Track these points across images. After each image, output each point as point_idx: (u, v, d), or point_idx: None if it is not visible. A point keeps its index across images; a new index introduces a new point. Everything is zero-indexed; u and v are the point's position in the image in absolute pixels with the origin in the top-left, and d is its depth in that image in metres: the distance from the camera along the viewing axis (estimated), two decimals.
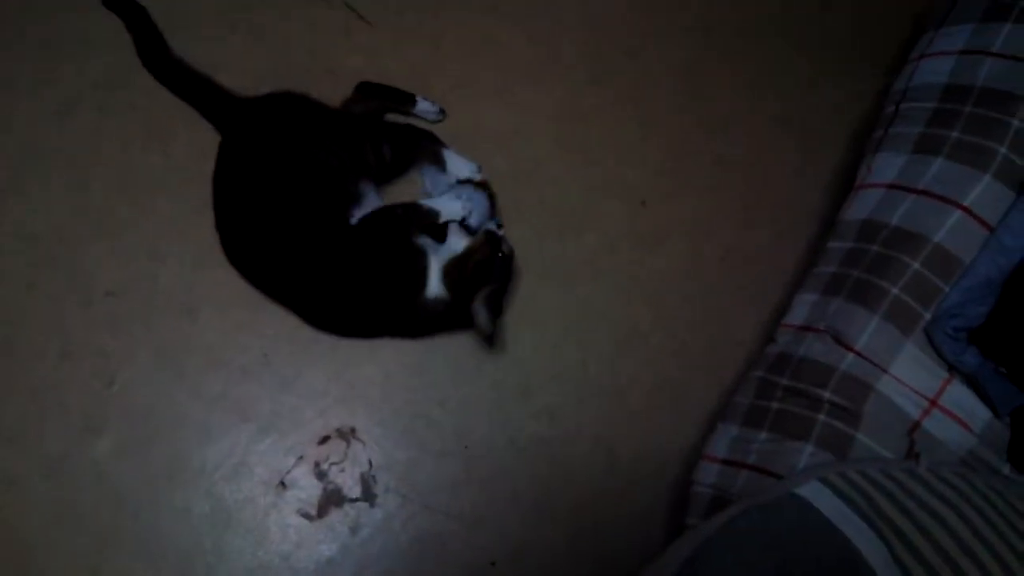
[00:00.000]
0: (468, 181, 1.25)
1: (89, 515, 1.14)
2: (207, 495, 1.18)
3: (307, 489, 1.21)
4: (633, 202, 1.41)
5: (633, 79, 1.47)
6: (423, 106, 1.33)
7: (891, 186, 1.15)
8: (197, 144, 1.24)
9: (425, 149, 1.28)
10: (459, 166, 1.27)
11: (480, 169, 1.27)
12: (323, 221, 1.16)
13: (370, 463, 1.23)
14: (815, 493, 0.90)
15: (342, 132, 1.21)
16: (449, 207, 1.20)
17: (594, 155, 1.42)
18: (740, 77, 1.51)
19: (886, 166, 1.17)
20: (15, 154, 1.25)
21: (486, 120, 1.38)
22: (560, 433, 1.28)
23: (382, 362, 1.26)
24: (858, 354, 1.06)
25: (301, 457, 1.22)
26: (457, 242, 1.20)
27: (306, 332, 1.24)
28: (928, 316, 1.06)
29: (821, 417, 1.03)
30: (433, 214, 1.19)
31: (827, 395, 1.04)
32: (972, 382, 1.05)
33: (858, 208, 1.18)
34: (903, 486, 0.90)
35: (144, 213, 1.25)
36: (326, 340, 1.25)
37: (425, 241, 1.20)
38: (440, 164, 1.27)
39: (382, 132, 1.26)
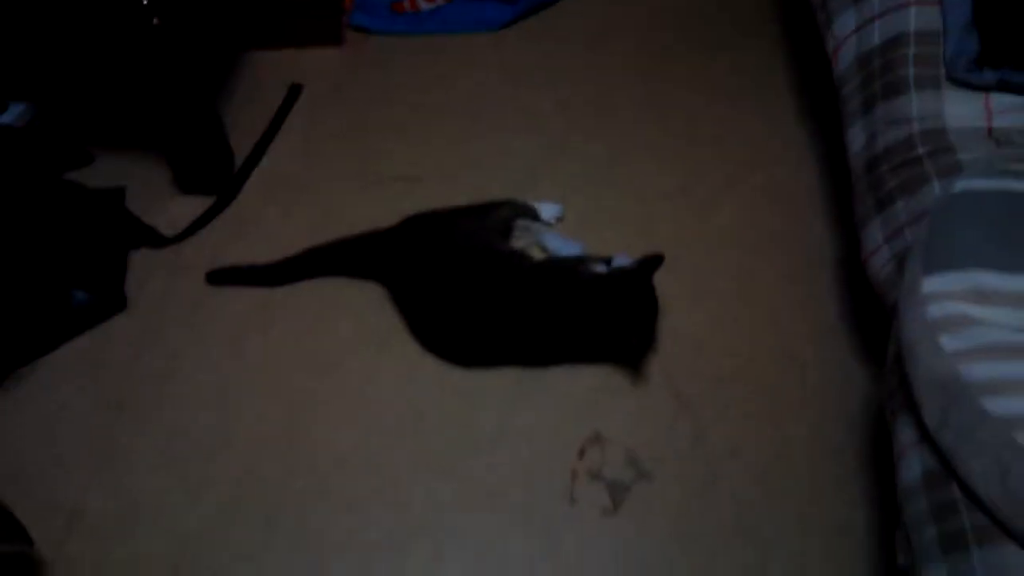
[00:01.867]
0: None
1: None
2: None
3: (593, 494, 1.37)
4: None
5: None
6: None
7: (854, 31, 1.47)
8: None
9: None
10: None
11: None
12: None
13: (626, 450, 1.40)
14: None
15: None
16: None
17: None
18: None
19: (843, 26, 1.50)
20: None
21: None
22: None
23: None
24: (918, 122, 1.31)
25: (574, 474, 1.39)
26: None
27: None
28: (943, 69, 1.32)
29: (928, 164, 1.25)
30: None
31: (920, 151, 1.27)
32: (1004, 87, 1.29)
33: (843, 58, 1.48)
34: None
35: None
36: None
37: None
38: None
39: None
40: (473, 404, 1.44)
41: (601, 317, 1.41)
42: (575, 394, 1.45)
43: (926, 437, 1.03)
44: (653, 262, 1.41)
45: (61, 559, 1.29)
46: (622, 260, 1.44)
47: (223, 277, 1.59)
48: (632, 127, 1.85)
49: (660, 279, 1.43)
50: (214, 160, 1.67)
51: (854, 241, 1.37)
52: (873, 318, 1.38)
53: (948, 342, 1.00)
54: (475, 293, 1.45)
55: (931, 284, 1.05)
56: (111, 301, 1.52)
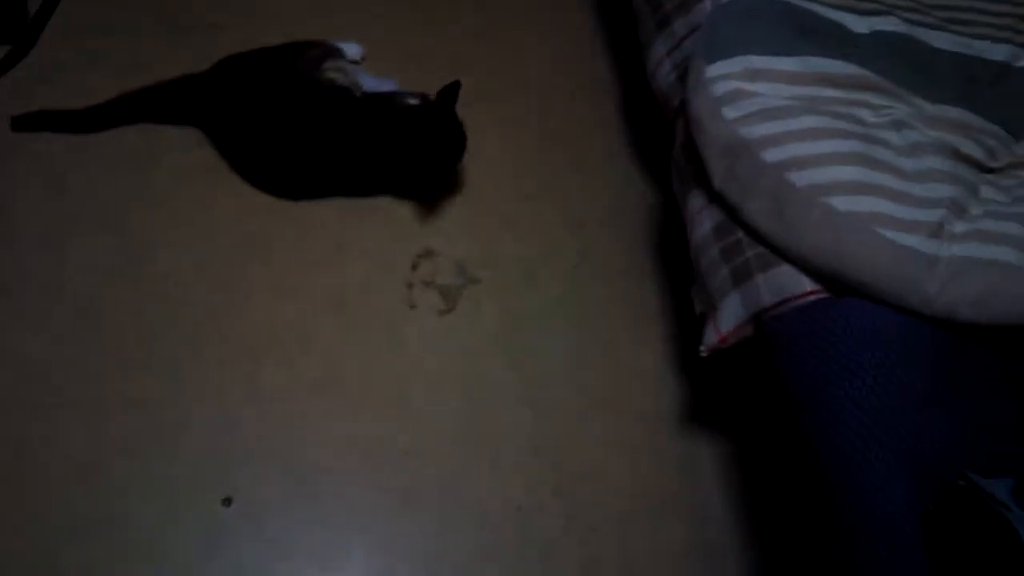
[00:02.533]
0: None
1: None
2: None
3: (430, 298, 1.50)
4: None
5: None
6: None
7: None
8: None
9: None
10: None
11: None
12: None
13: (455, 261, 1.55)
14: None
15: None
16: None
17: None
18: None
19: None
20: None
21: None
22: None
23: None
24: None
25: (410, 284, 1.52)
26: None
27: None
28: None
29: None
30: None
31: None
32: None
33: None
34: None
35: None
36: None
37: None
38: None
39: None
40: (307, 230, 1.53)
41: (414, 146, 1.51)
42: (403, 216, 1.57)
43: (714, 198, 1.26)
44: (452, 89, 1.52)
45: None
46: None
47: (31, 123, 1.55)
48: None
49: (466, 111, 1.55)
50: (5, 8, 1.60)
51: (631, 71, 1.57)
52: (651, 142, 1.62)
53: (729, 112, 1.22)
54: (297, 129, 1.52)
55: (712, 70, 1.26)
56: None
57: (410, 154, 1.52)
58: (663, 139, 1.48)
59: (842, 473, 1.00)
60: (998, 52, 1.33)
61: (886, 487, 0.97)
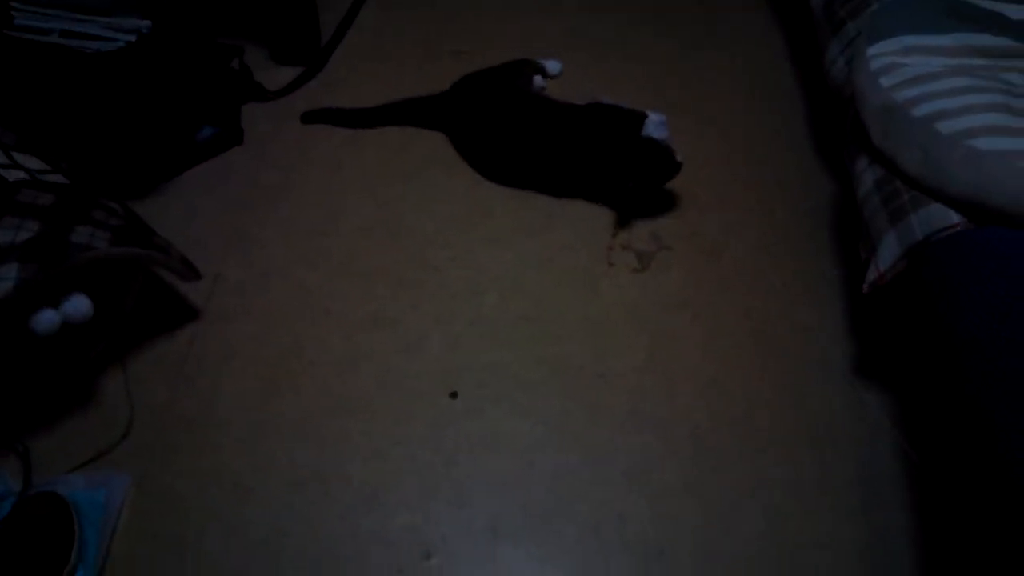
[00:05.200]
0: None
1: None
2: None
3: (626, 259, 1.76)
4: None
5: None
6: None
7: None
8: None
9: None
10: None
11: None
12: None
13: (650, 230, 1.81)
14: None
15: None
16: None
17: None
18: None
19: None
20: None
21: None
22: None
23: None
24: None
25: (609, 247, 1.79)
26: None
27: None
28: None
29: None
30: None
31: None
32: None
33: None
34: None
35: None
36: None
37: None
38: None
39: None
40: (523, 204, 1.84)
41: (617, 163, 1.77)
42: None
43: (875, 158, 1.45)
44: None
45: (210, 308, 1.65)
46: (656, 117, 1.81)
47: (315, 116, 1.99)
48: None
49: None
50: (305, 37, 2.08)
51: (811, 80, 1.79)
52: (831, 139, 1.83)
53: (885, 81, 1.43)
54: (514, 131, 1.86)
55: (872, 50, 1.48)
56: (231, 135, 1.90)
57: (616, 175, 1.78)
58: (839, 133, 1.68)
59: (984, 366, 1.13)
60: None
61: None
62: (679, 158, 1.74)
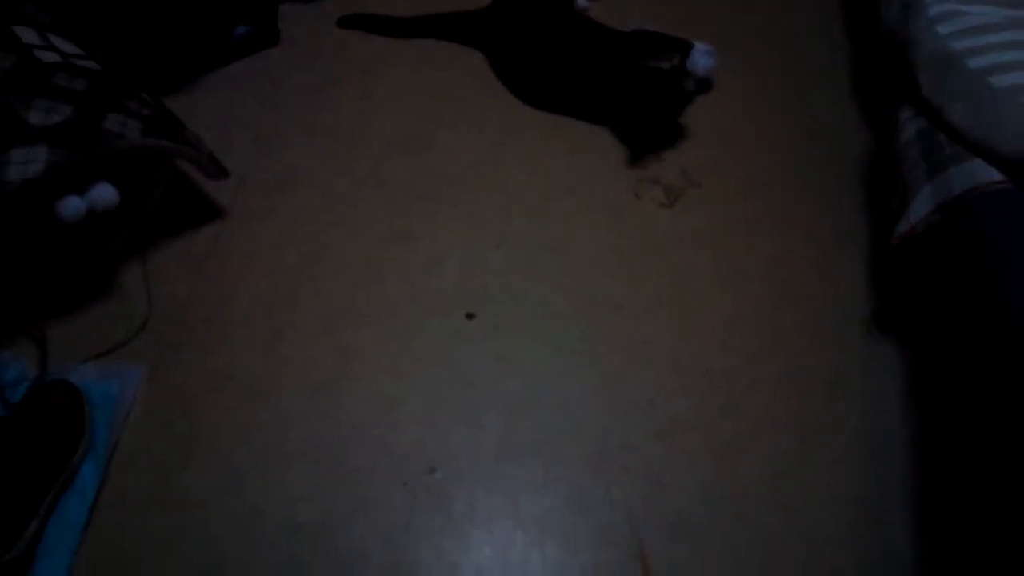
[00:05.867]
0: None
1: None
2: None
3: (654, 193, 1.74)
4: None
5: None
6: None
7: None
8: None
9: None
10: None
11: None
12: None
13: (681, 167, 1.78)
14: None
15: None
16: None
17: None
18: None
19: None
20: None
21: None
22: None
23: None
24: None
25: (639, 180, 1.76)
26: None
27: None
28: None
29: None
30: None
31: None
32: None
33: None
34: None
35: None
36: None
37: None
38: None
39: None
40: (560, 128, 1.82)
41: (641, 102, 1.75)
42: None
43: (920, 109, 1.41)
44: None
45: (235, 208, 1.65)
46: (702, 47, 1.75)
47: (352, 22, 1.96)
48: None
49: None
50: None
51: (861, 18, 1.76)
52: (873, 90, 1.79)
53: (942, 29, 1.38)
54: (549, 53, 1.83)
55: None
56: (267, 34, 1.88)
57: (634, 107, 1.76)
58: (885, 82, 1.63)
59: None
60: None
61: None
62: (691, 86, 1.69)
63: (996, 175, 1.26)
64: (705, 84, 1.77)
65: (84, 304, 1.49)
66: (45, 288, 1.47)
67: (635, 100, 1.74)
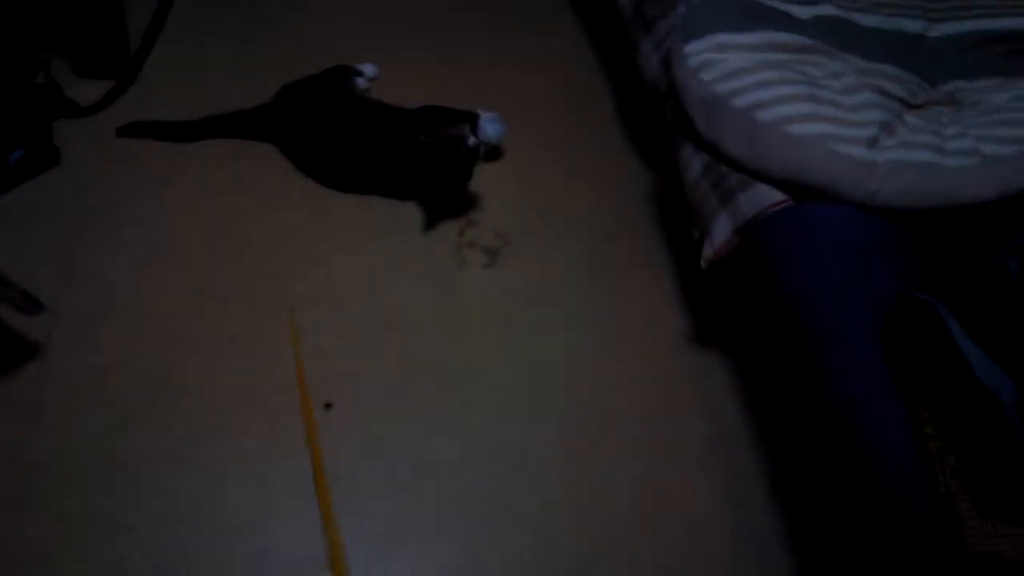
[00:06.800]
0: None
1: None
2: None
3: (475, 256, 1.83)
4: None
5: None
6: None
7: None
8: None
9: None
10: None
11: None
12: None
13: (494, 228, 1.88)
14: None
15: None
16: None
17: None
18: None
19: None
20: None
21: None
22: None
23: None
24: None
25: (459, 246, 1.84)
26: None
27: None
28: None
29: None
30: None
31: None
32: None
33: None
34: None
35: None
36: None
37: None
38: None
39: None
40: (368, 207, 1.86)
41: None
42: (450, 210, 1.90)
43: (701, 145, 1.60)
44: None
45: (53, 343, 1.55)
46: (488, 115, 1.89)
47: (133, 130, 1.89)
48: (441, 22, 2.37)
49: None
50: (112, 47, 1.97)
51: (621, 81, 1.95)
52: (644, 134, 2.00)
53: (704, 75, 1.57)
54: (339, 135, 1.88)
55: (689, 48, 1.61)
56: (45, 155, 1.78)
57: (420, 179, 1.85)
58: (653, 128, 1.82)
59: (815, 318, 1.31)
60: (914, 26, 1.69)
61: (852, 323, 1.28)
62: (481, 152, 1.83)
63: (778, 195, 1.46)
64: (495, 150, 1.91)
65: None
66: None
67: (427, 171, 1.81)
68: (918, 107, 1.56)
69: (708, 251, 1.54)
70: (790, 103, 1.48)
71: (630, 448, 1.54)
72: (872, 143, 1.43)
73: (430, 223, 1.85)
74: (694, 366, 1.68)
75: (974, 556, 1.01)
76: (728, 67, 1.56)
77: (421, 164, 1.80)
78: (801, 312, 1.33)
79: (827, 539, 1.44)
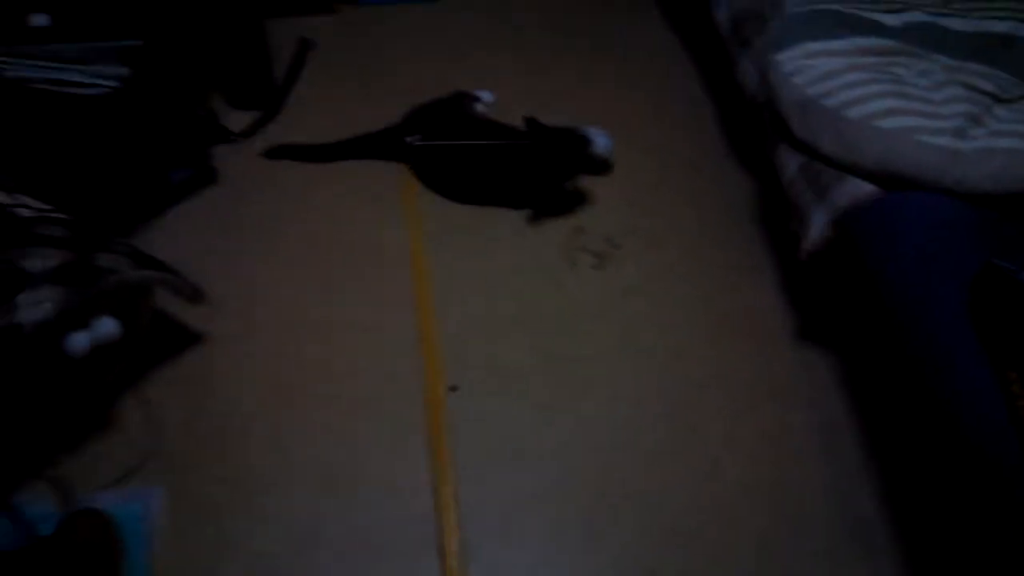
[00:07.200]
0: None
1: None
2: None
3: (585, 259, 1.97)
4: None
5: None
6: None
7: None
8: None
9: None
10: None
11: None
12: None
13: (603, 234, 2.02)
14: None
15: None
16: None
17: None
18: None
19: None
20: None
21: None
22: None
23: None
24: None
25: (570, 250, 1.99)
26: None
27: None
28: None
29: (768, 12, 1.97)
30: None
31: (763, 7, 2.00)
32: None
33: None
34: None
35: None
36: None
37: None
38: None
39: None
40: (492, 219, 2.03)
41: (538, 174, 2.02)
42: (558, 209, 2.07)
43: (796, 145, 1.71)
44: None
45: (214, 332, 1.76)
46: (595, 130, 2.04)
47: (279, 153, 2.13)
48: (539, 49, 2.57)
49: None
50: (261, 83, 2.23)
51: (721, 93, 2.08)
52: (743, 143, 2.12)
53: (797, 79, 1.69)
54: (473, 151, 2.05)
55: (781, 55, 1.73)
56: (205, 175, 2.02)
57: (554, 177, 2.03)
58: (751, 138, 1.94)
59: (905, 291, 1.39)
60: (1002, 27, 1.77)
61: (939, 292, 1.36)
62: (598, 150, 1.99)
63: (869, 187, 1.55)
64: (605, 163, 2.06)
65: (89, 438, 1.55)
66: (53, 425, 1.52)
67: (540, 176, 1.99)
68: (1008, 101, 1.63)
69: (806, 244, 1.64)
70: (878, 100, 1.58)
71: (735, 433, 1.64)
72: (958, 133, 1.51)
73: (545, 216, 2.02)
74: (797, 360, 1.77)
75: None
76: (819, 71, 1.67)
77: (541, 167, 1.98)
78: (891, 287, 1.41)
79: (927, 515, 1.50)
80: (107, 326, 1.46)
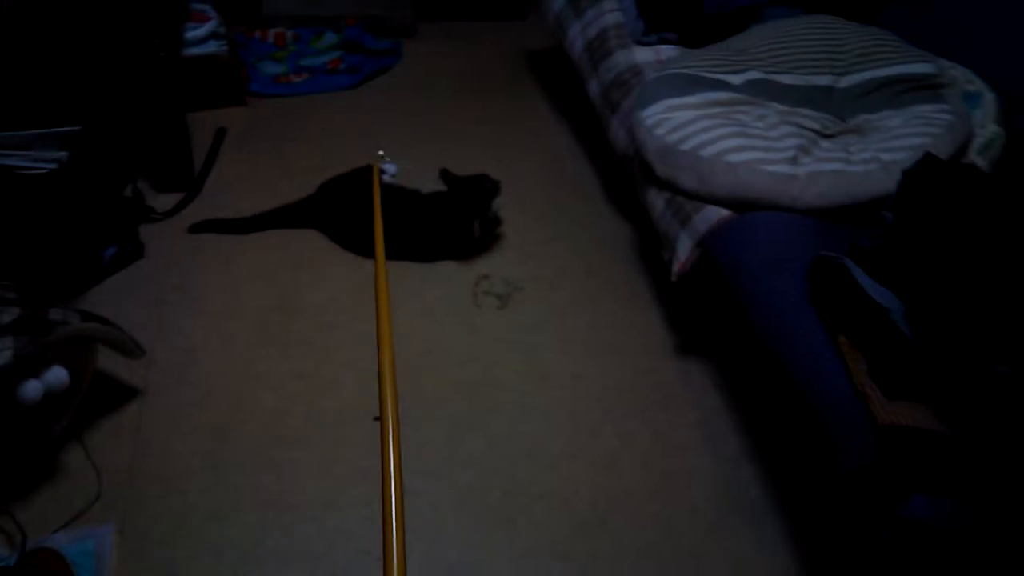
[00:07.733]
0: None
1: None
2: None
3: (489, 301, 2.20)
4: None
5: None
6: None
7: (579, 32, 2.56)
8: None
9: None
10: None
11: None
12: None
13: (504, 278, 2.26)
14: None
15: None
16: None
17: None
18: None
19: (572, 32, 2.58)
20: None
21: None
22: None
23: None
24: (624, 65, 2.37)
25: (475, 294, 2.22)
26: None
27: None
28: (630, 39, 2.39)
29: (632, 81, 2.30)
30: None
31: (627, 77, 2.32)
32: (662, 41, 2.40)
33: (576, 49, 2.56)
34: None
35: None
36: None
37: None
38: None
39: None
40: (401, 271, 2.24)
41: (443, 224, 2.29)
42: (463, 257, 2.30)
43: (661, 185, 1.99)
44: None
45: (150, 384, 1.89)
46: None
47: (202, 227, 2.31)
48: (443, 126, 2.85)
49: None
50: (181, 169, 2.43)
51: (595, 146, 2.39)
52: (618, 188, 2.40)
53: (658, 131, 1.98)
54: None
55: (644, 113, 2.04)
56: (133, 250, 2.19)
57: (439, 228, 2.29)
58: (624, 188, 2.23)
59: (756, 285, 1.66)
60: (823, 80, 2.12)
61: (784, 283, 1.63)
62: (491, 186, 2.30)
63: (724, 212, 1.83)
64: (496, 219, 2.31)
65: (35, 486, 1.66)
66: (1, 473, 1.63)
67: (442, 235, 2.25)
68: (831, 136, 1.95)
69: (676, 266, 1.91)
70: (726, 140, 1.88)
71: (632, 434, 1.87)
72: (793, 161, 1.81)
73: (455, 261, 2.28)
74: (678, 369, 2.02)
75: (882, 427, 1.33)
76: (676, 122, 1.97)
77: (450, 220, 2.25)
78: (747, 288, 1.68)
79: (797, 483, 1.74)
80: (59, 375, 1.60)
